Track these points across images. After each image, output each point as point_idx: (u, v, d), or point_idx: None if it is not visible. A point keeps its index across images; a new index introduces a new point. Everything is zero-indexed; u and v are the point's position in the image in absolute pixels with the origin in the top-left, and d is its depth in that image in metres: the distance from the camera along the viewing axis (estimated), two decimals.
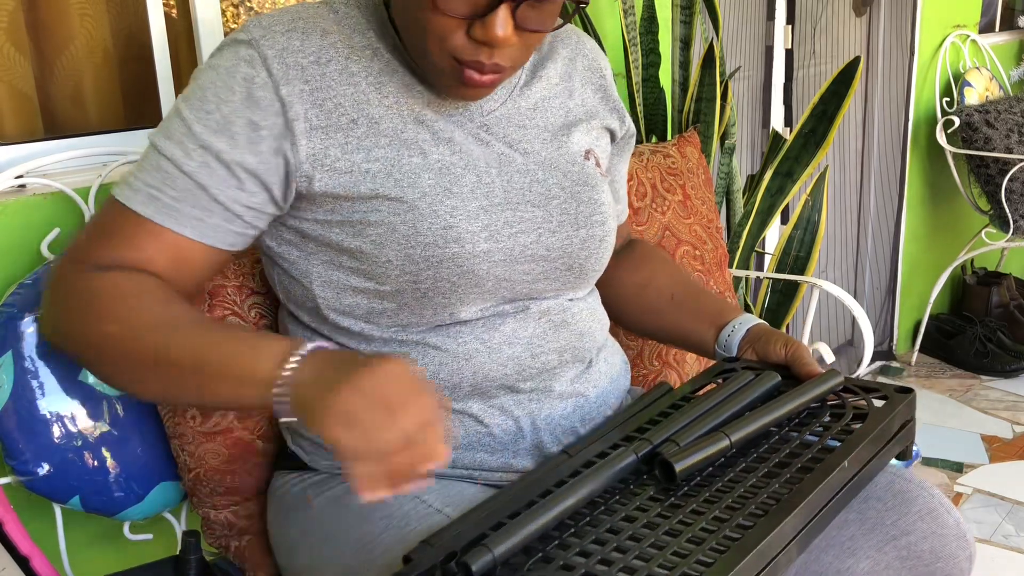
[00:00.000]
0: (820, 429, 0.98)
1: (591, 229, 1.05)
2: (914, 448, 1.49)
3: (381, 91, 0.96)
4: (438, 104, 0.99)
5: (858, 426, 0.97)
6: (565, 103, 1.09)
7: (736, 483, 0.88)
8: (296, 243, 0.99)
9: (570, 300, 1.06)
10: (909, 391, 1.03)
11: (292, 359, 0.80)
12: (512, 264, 0.99)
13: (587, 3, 0.96)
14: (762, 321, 1.15)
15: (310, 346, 0.82)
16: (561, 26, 0.97)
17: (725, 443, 0.92)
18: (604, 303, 1.17)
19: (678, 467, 0.88)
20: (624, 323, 1.26)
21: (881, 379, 3.14)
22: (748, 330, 1.13)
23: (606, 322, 1.14)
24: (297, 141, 0.92)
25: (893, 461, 1.03)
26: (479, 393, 1.00)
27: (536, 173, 1.02)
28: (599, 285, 1.16)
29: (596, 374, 1.08)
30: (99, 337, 0.88)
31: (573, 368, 1.06)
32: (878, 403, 1.02)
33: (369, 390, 0.75)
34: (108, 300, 0.88)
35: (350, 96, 0.94)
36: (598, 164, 1.10)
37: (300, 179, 0.94)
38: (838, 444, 0.93)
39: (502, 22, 0.87)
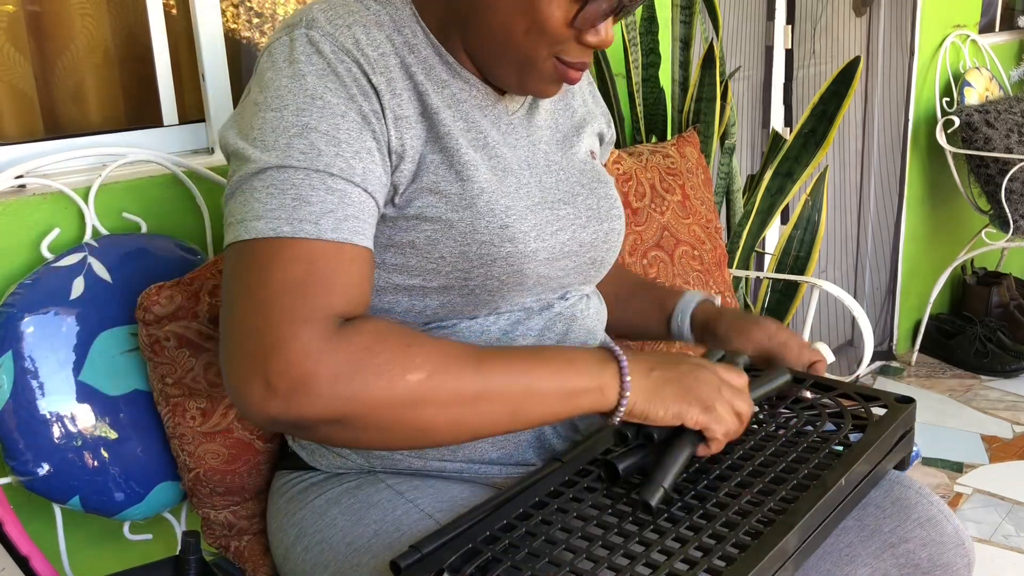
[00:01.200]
0: (818, 441, 0.96)
1: (612, 223, 1.08)
2: (914, 448, 1.49)
3: (428, 88, 0.95)
4: (469, 104, 0.99)
5: (857, 437, 0.96)
6: (570, 104, 1.12)
7: (732, 498, 0.86)
8: None
9: (582, 297, 1.08)
10: (910, 401, 1.02)
11: (625, 387, 0.87)
12: (553, 262, 1.00)
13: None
14: (703, 296, 1.20)
15: (624, 363, 0.88)
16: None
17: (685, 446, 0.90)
18: None
19: (620, 466, 0.87)
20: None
21: (882, 382, 3.14)
22: (693, 314, 1.20)
23: (605, 319, 1.16)
24: (389, 128, 0.90)
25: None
26: None
27: (559, 172, 1.04)
28: None
29: None
30: (408, 380, 0.78)
31: None
32: (878, 411, 1.01)
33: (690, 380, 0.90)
34: (390, 352, 0.78)
35: (411, 89, 0.94)
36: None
37: (395, 170, 0.92)
38: (835, 458, 0.92)
39: (609, 27, 0.93)
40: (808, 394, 1.07)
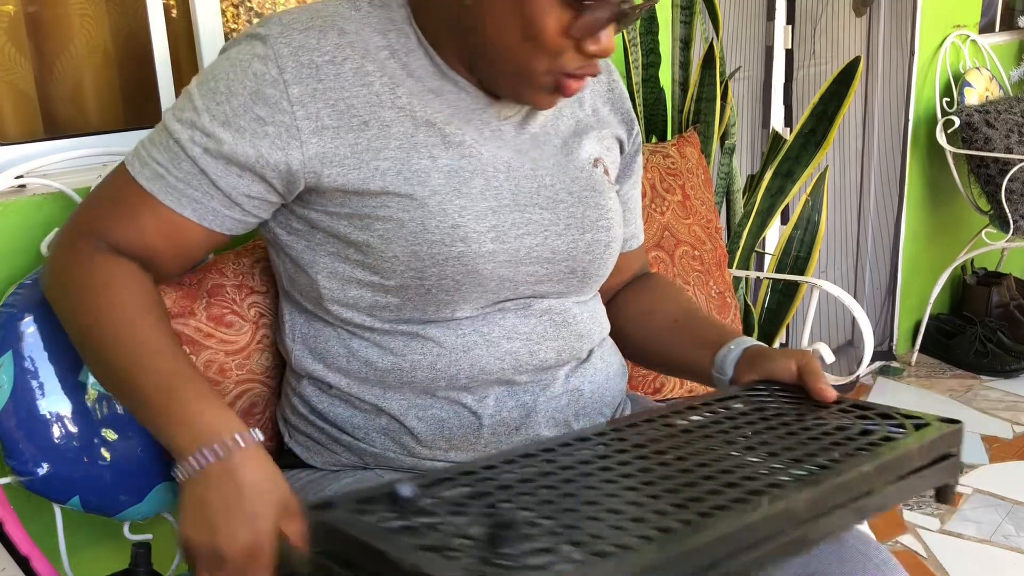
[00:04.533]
0: (842, 439, 0.87)
1: (596, 234, 1.05)
2: None
3: (395, 92, 0.96)
4: (454, 107, 0.99)
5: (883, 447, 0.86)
6: (575, 112, 1.10)
7: (724, 472, 0.77)
8: (304, 233, 1.00)
9: (573, 302, 1.07)
10: (956, 422, 0.90)
11: (208, 452, 0.87)
12: (516, 265, 0.99)
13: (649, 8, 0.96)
14: (760, 343, 1.07)
15: (242, 441, 0.88)
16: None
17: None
18: (611, 332, 1.17)
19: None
20: (629, 352, 1.22)
21: (882, 382, 3.14)
22: (744, 350, 1.05)
23: (606, 326, 1.14)
24: (305, 139, 0.93)
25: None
26: (475, 385, 1.01)
27: (544, 178, 1.03)
28: (608, 312, 1.18)
29: (591, 370, 1.08)
30: (75, 326, 0.96)
31: (569, 364, 1.06)
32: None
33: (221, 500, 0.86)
34: (92, 293, 0.94)
35: (363, 97, 0.95)
36: (607, 172, 1.11)
37: (308, 175, 0.95)
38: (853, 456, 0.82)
39: (610, 35, 0.93)
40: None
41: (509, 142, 1.02)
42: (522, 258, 0.99)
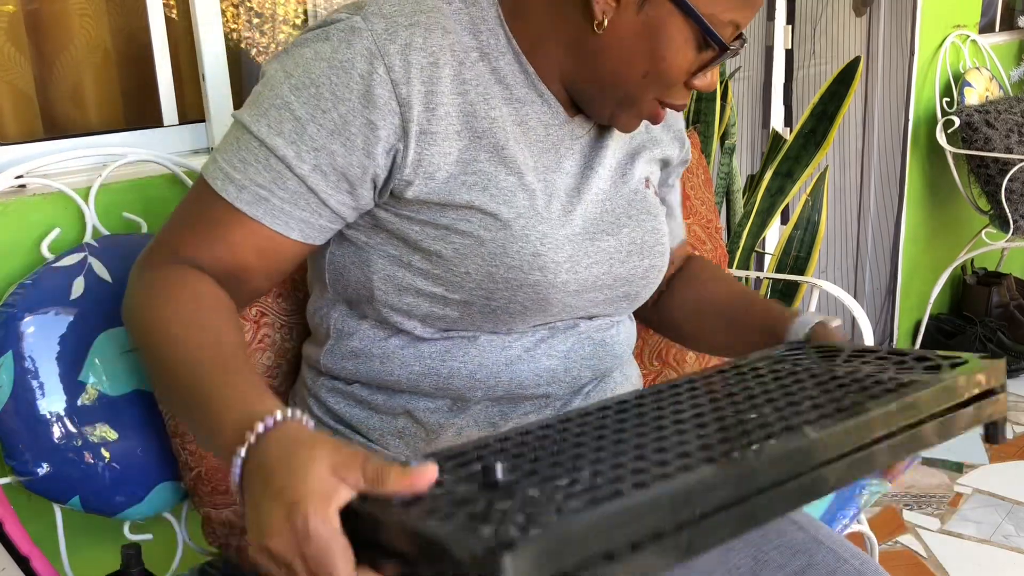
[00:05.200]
0: (869, 387, 0.81)
1: (654, 259, 1.04)
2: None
3: (487, 103, 0.93)
4: (536, 120, 0.97)
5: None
6: (633, 132, 1.07)
7: (738, 423, 0.74)
8: (366, 229, 0.96)
9: (611, 322, 1.06)
10: (999, 356, 0.87)
11: (237, 455, 0.72)
12: (582, 293, 0.98)
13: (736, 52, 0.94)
14: (820, 317, 1.01)
15: (263, 427, 0.71)
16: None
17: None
18: (664, 324, 1.19)
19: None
20: (689, 344, 1.23)
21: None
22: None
23: (634, 340, 1.14)
24: (409, 144, 0.89)
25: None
26: (509, 398, 1.00)
27: (607, 202, 1.01)
28: (659, 309, 1.19)
29: (612, 384, 1.08)
30: (152, 345, 0.86)
31: (594, 381, 1.06)
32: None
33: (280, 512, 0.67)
34: (163, 303, 0.87)
35: (458, 106, 0.91)
36: (655, 192, 1.10)
37: (400, 181, 0.91)
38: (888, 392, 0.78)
39: (716, 71, 0.94)
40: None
41: (580, 163, 1.00)
42: (589, 287, 0.98)
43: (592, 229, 0.98)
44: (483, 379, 0.98)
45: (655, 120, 0.98)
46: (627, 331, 1.10)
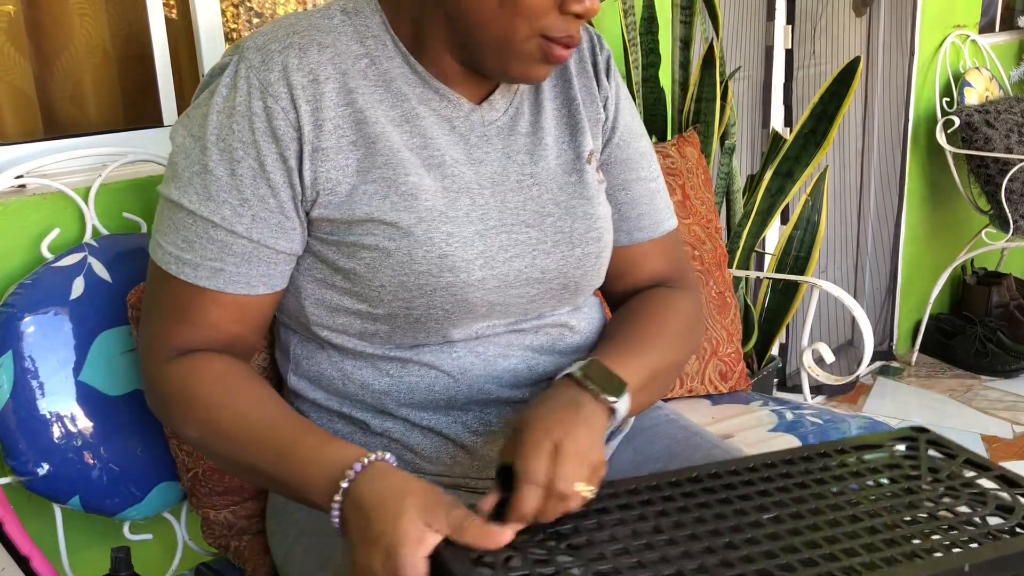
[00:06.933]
0: (950, 515, 0.82)
1: (587, 247, 0.99)
2: None
3: (378, 108, 0.92)
4: (437, 116, 0.95)
5: (1000, 525, 0.80)
6: (565, 100, 1.03)
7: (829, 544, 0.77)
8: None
9: (568, 312, 1.03)
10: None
11: (335, 501, 0.81)
12: (506, 289, 0.95)
13: None
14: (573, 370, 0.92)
15: (353, 473, 0.80)
16: None
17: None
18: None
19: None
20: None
21: (882, 382, 3.13)
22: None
23: (600, 325, 1.09)
24: (304, 164, 0.89)
25: None
26: (475, 404, 0.98)
27: (531, 189, 0.97)
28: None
29: None
30: (187, 434, 0.93)
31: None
32: None
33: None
34: (184, 406, 0.92)
35: (348, 116, 0.90)
36: (597, 169, 1.04)
37: (305, 203, 0.91)
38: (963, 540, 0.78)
39: None
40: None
41: (496, 150, 0.97)
42: (511, 281, 0.95)
43: (510, 220, 0.95)
44: (442, 391, 0.97)
45: (555, 59, 0.90)
46: (589, 318, 1.05)
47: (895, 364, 3.29)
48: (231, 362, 0.93)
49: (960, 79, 3.19)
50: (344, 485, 0.79)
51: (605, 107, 1.05)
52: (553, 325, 1.01)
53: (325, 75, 0.90)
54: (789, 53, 2.64)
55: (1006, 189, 2.96)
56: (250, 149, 0.88)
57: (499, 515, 0.80)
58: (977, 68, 3.27)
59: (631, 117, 1.09)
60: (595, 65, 1.06)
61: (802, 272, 2.06)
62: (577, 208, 0.99)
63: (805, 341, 1.77)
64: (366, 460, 0.80)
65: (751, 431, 1.48)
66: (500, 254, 0.94)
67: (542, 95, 1.02)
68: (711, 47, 1.82)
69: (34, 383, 1.12)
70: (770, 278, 2.03)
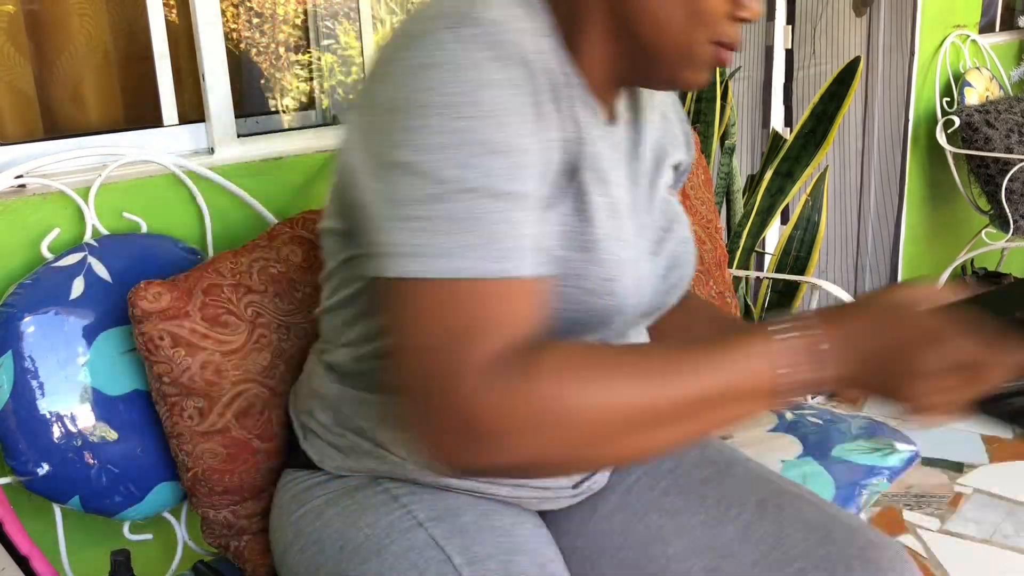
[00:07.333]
0: None
1: (685, 269, 0.98)
2: (914, 448, 1.49)
3: (572, 108, 0.85)
4: (591, 124, 0.88)
5: None
6: (660, 128, 1.01)
7: None
8: None
9: (634, 330, 1.00)
10: None
11: (781, 369, 0.74)
12: (639, 317, 0.93)
13: None
14: None
15: (780, 341, 0.74)
16: None
17: None
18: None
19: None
20: None
21: None
22: None
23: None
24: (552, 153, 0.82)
25: None
26: None
27: (647, 217, 0.94)
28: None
29: None
30: (580, 422, 0.72)
31: None
32: None
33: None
34: (572, 395, 0.71)
35: (558, 110, 0.83)
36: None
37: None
38: None
39: None
40: None
41: (626, 171, 0.93)
42: (646, 309, 0.93)
43: (646, 248, 0.93)
44: None
45: (723, 62, 0.90)
46: (642, 337, 1.04)
47: None
48: (582, 344, 0.80)
49: (960, 79, 3.20)
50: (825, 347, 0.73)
51: (690, 151, 1.08)
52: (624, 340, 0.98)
53: (551, 65, 0.83)
54: (789, 53, 2.64)
55: (1006, 189, 2.96)
56: (513, 115, 0.76)
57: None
58: (977, 68, 3.27)
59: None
60: (676, 99, 1.08)
61: (802, 272, 2.06)
62: (676, 231, 0.99)
63: None
64: (798, 319, 0.75)
65: (751, 431, 1.48)
66: (645, 282, 0.91)
67: (642, 121, 0.98)
68: None
69: (34, 383, 1.12)
70: (770, 278, 2.03)
